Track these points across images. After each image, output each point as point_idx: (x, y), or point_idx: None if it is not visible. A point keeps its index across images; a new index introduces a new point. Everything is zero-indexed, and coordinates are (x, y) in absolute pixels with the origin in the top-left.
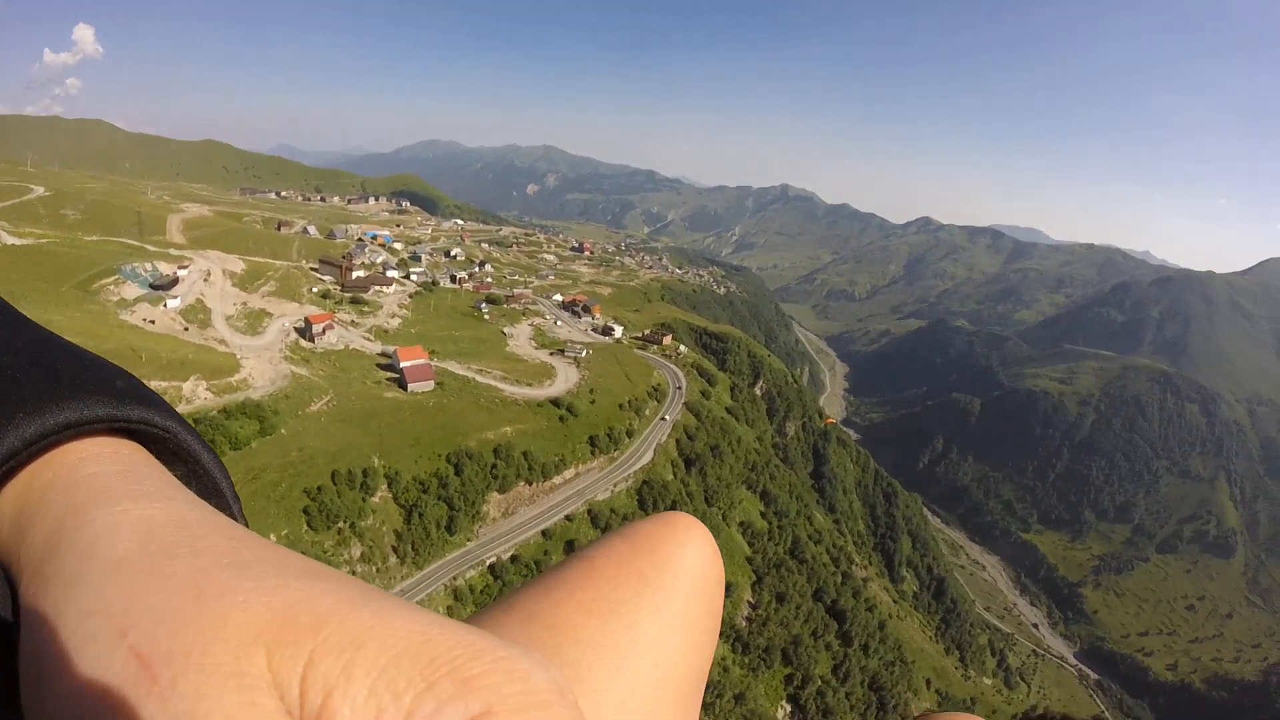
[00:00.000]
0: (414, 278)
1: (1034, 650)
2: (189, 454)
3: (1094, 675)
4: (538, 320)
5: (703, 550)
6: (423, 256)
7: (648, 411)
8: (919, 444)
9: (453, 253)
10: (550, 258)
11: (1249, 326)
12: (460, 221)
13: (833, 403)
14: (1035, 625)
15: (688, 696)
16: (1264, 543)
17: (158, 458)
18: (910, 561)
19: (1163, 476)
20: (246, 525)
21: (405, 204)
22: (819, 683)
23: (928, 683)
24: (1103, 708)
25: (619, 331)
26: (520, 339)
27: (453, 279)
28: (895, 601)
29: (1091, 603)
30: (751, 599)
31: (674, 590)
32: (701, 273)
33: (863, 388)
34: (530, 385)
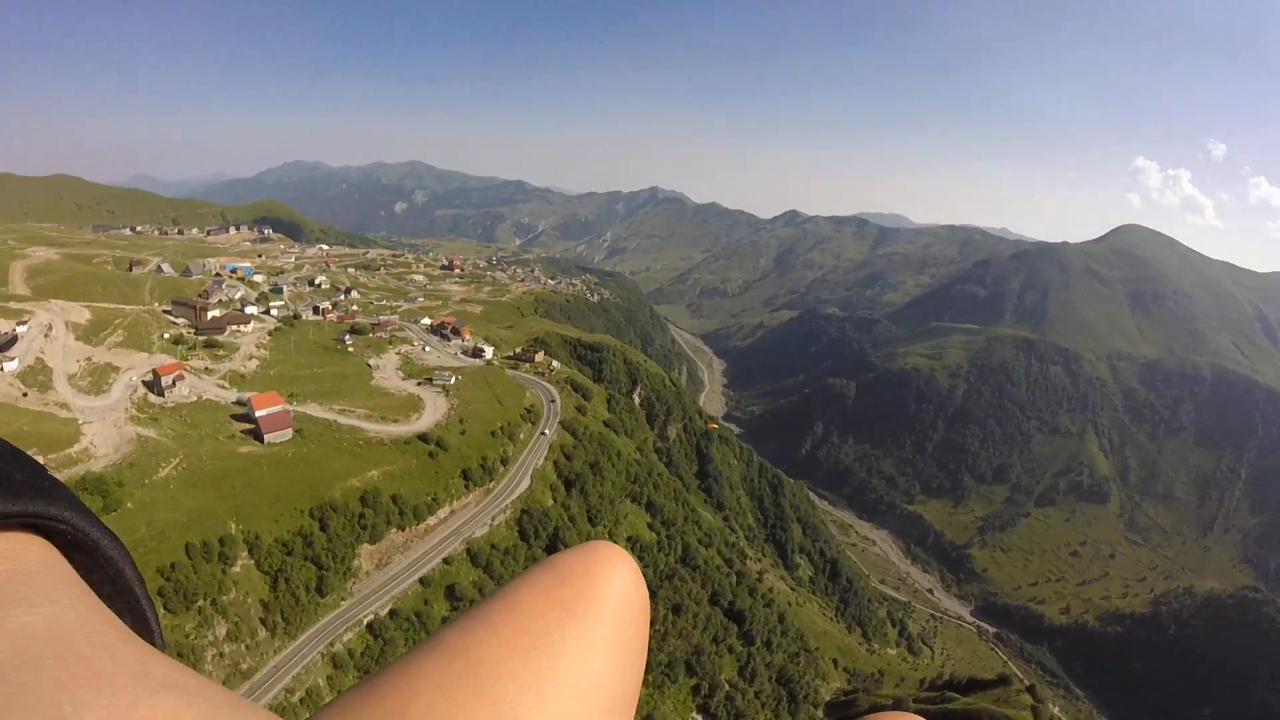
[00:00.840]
0: (274, 312)
1: (932, 615)
2: (88, 543)
3: (992, 629)
4: (405, 348)
5: (626, 577)
6: (285, 288)
7: (522, 435)
8: (800, 431)
9: (317, 281)
10: (419, 278)
11: (1104, 289)
12: (325, 247)
13: (713, 399)
14: (930, 591)
15: (618, 717)
16: (1136, 485)
17: (61, 549)
18: (803, 548)
19: (1034, 436)
20: (152, 606)
21: (268, 232)
22: (727, 688)
23: (835, 663)
24: (1005, 659)
25: (490, 352)
26: (387, 370)
27: (316, 310)
28: (793, 589)
29: (980, 562)
30: None
31: (598, 619)
32: (575, 282)
33: (741, 381)
34: (397, 421)
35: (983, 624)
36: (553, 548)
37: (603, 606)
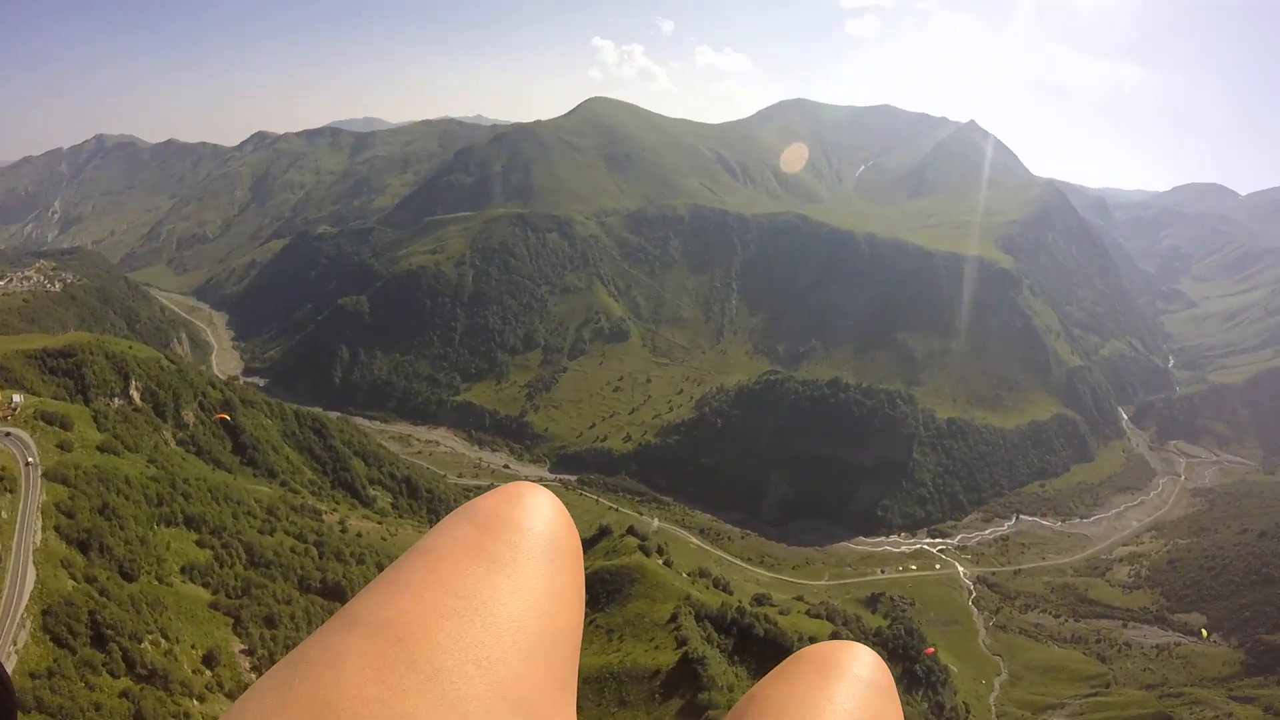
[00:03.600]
0: None
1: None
2: None
3: (572, 477)
4: None
5: (551, 516)
6: None
7: (3, 514)
8: (327, 361)
9: None
10: None
11: (581, 158)
12: None
13: (226, 359)
14: (505, 466)
15: (564, 671)
16: (649, 318)
17: None
18: (372, 479)
19: (549, 300)
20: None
21: None
22: None
23: None
24: (595, 497)
25: None
26: None
27: None
28: (380, 523)
29: (539, 424)
30: (244, 646)
31: (530, 569)
32: (29, 273)
33: (250, 328)
34: None
35: (562, 477)
36: (101, 640)
37: (532, 553)
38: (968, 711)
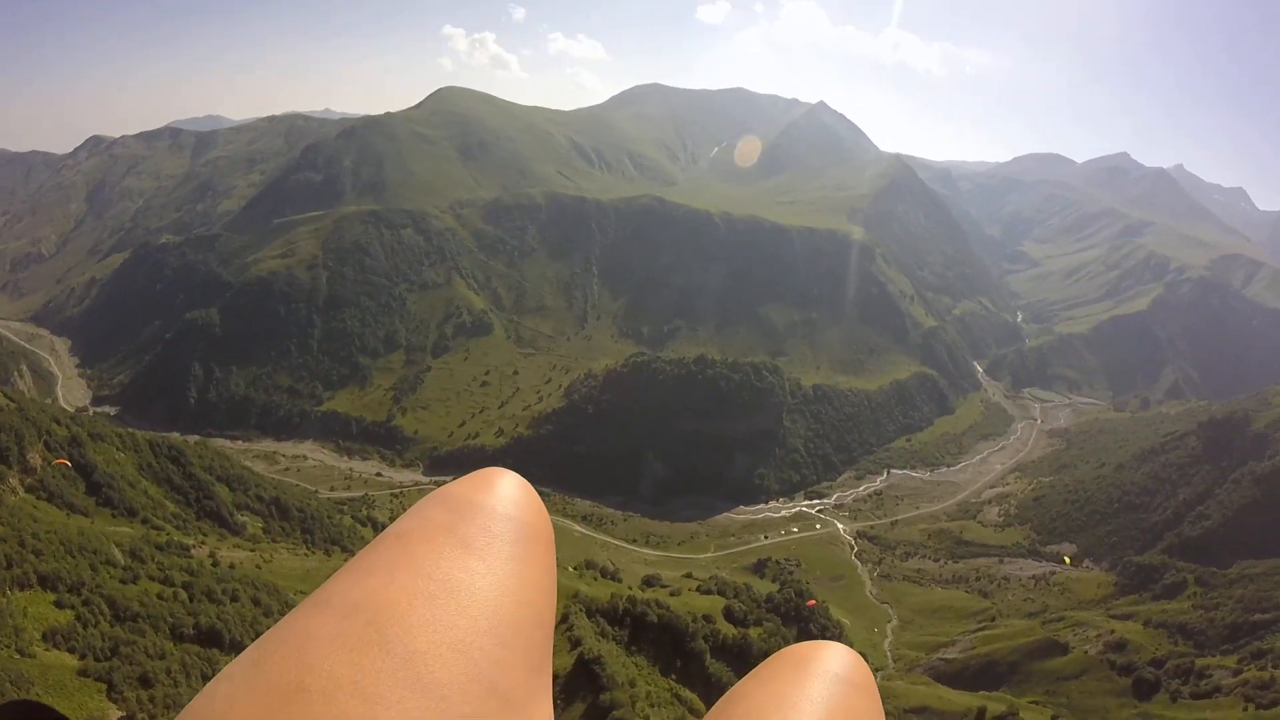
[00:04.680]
0: None
1: (391, 494)
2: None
3: (448, 479)
4: None
5: (521, 499)
6: None
7: None
8: (180, 381)
9: None
10: None
11: (434, 149)
12: None
13: (72, 388)
14: (378, 474)
15: (538, 655)
16: (510, 309)
17: None
18: (239, 504)
19: (408, 297)
20: None
21: None
22: None
23: None
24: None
25: None
26: None
27: None
28: (253, 550)
29: (409, 426)
30: (122, 713)
31: (503, 553)
32: None
33: (96, 353)
34: None
35: (438, 479)
36: None
37: (505, 537)
38: (867, 660)
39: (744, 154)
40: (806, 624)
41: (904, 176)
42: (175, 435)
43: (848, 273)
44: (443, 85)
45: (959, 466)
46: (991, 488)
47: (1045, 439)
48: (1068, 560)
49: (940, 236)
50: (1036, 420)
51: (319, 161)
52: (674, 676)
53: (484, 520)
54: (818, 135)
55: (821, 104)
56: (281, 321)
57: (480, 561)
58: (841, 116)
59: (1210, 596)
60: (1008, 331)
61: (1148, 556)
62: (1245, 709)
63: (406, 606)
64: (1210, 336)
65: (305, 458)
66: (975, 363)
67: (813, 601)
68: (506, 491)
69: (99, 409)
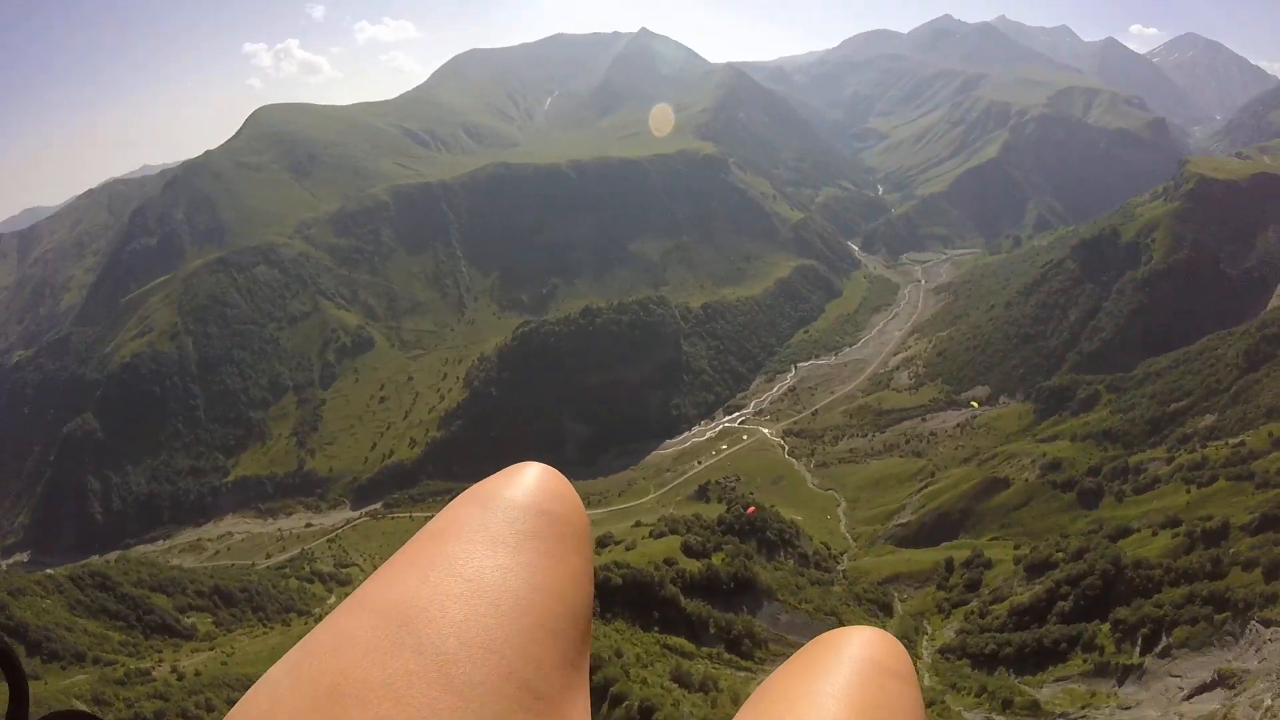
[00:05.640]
0: None
1: (328, 541)
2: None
3: (377, 505)
4: None
5: (559, 495)
6: None
7: None
8: (80, 501)
9: None
10: None
11: (264, 175)
12: None
13: None
14: (308, 525)
15: (573, 652)
16: (386, 315)
17: None
18: (181, 607)
19: (280, 336)
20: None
21: None
22: None
23: None
24: (407, 514)
25: None
26: None
27: None
28: (212, 648)
29: (321, 467)
30: None
31: (537, 549)
32: None
33: None
34: None
35: (367, 509)
36: None
37: (538, 533)
38: (829, 549)
39: (575, 97)
40: (762, 531)
41: (740, 83)
42: (95, 559)
43: (707, 189)
44: (257, 107)
45: (860, 344)
46: (896, 355)
47: (933, 297)
48: (976, 404)
49: (788, 133)
50: (920, 282)
51: (150, 223)
52: (656, 628)
53: (517, 516)
54: (646, 62)
55: (644, 31)
56: (160, 402)
57: (511, 557)
58: (666, 39)
59: (1125, 400)
60: (873, 206)
61: (1057, 379)
62: (1188, 491)
63: (439, 607)
64: (1063, 167)
65: (230, 534)
66: (849, 243)
67: (752, 509)
68: (537, 485)
69: (9, 560)
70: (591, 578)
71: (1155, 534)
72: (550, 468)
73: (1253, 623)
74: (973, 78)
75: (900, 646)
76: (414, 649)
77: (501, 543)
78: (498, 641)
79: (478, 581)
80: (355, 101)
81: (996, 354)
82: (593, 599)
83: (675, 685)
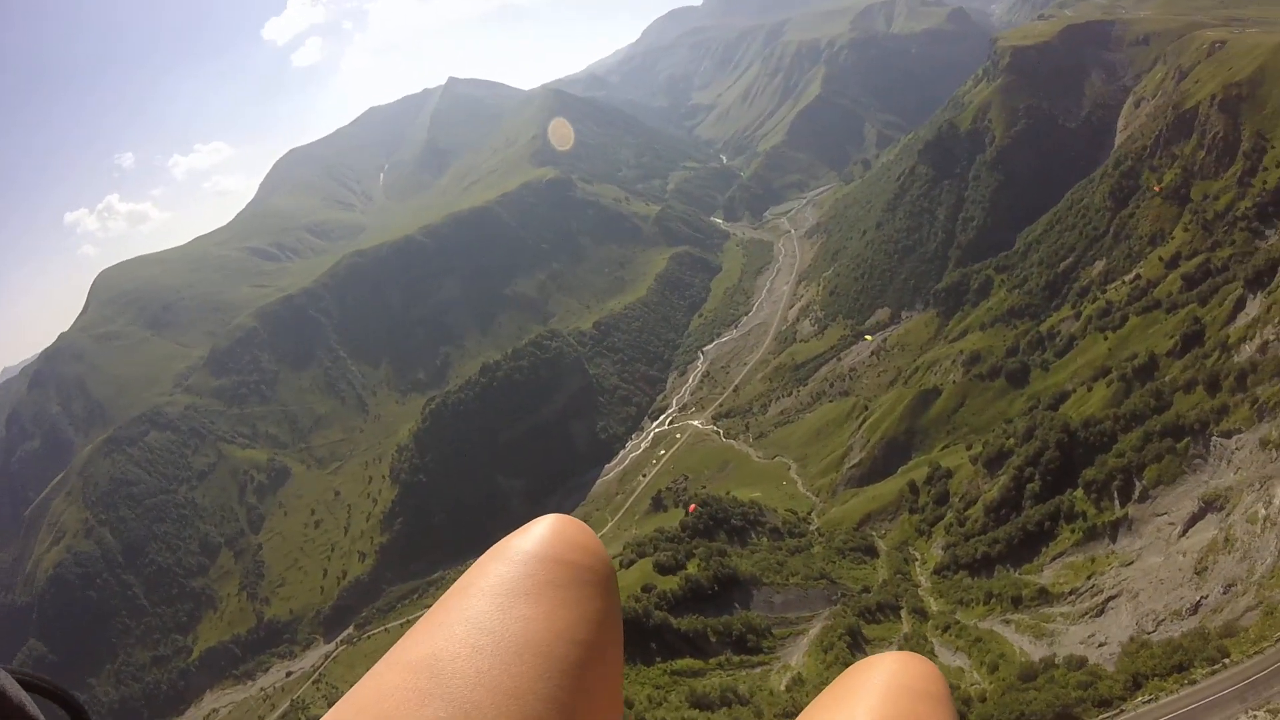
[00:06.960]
0: None
1: (313, 683)
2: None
3: (348, 629)
4: None
5: (581, 544)
6: None
7: None
8: None
9: None
10: None
11: (125, 342)
12: None
13: None
14: (289, 674)
15: (601, 697)
16: (294, 442)
17: None
18: None
19: (194, 495)
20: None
21: None
22: None
23: None
24: (382, 627)
25: None
26: None
27: None
28: None
29: (281, 612)
30: None
31: (562, 601)
32: None
33: None
34: None
35: (339, 638)
36: None
37: (561, 583)
38: (796, 514)
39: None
40: (726, 521)
41: (560, 101)
42: None
43: (561, 212)
44: (96, 274)
45: (755, 309)
46: (791, 308)
47: (807, 242)
48: (869, 338)
49: (620, 133)
50: (791, 232)
51: (27, 425)
52: (658, 659)
53: (533, 567)
54: (463, 110)
55: (451, 80)
56: (99, 603)
57: (532, 608)
58: (475, 81)
59: (1016, 275)
60: (722, 176)
61: (948, 278)
62: (1105, 338)
63: (465, 660)
64: (885, 82)
65: (215, 711)
66: (712, 218)
67: (693, 507)
68: (553, 535)
69: None
70: (618, 619)
71: (1090, 389)
72: (568, 517)
73: (1214, 439)
74: (776, 26)
75: (933, 668)
76: (443, 698)
77: (522, 594)
78: (521, 690)
79: (501, 633)
80: (194, 237)
81: (884, 275)
82: (622, 639)
83: (697, 711)
